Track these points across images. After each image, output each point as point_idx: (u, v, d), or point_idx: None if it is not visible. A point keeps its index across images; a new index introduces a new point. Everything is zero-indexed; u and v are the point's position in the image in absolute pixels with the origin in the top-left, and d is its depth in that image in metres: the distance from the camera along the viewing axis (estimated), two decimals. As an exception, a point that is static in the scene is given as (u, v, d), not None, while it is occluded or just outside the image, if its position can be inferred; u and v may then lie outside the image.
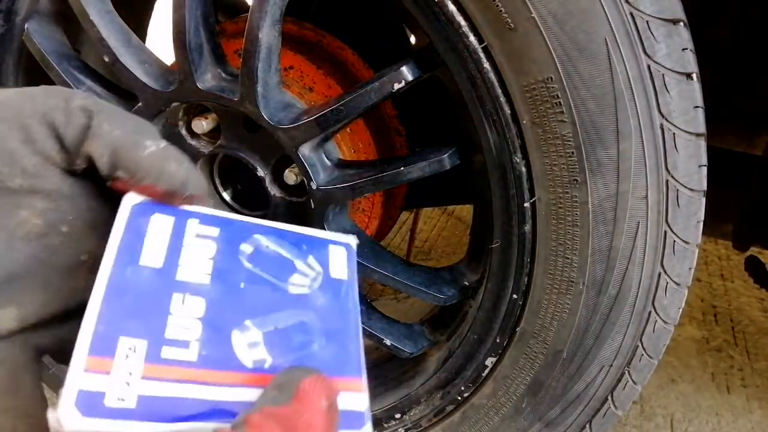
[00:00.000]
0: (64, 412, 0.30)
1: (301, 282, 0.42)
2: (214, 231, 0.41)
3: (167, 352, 0.34)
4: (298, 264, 0.43)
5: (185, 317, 0.36)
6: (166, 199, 0.39)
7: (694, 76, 0.67)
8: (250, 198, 1.00)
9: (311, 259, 0.44)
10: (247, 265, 0.41)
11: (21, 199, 0.36)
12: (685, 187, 0.71)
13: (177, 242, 0.39)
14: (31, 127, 0.35)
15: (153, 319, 0.35)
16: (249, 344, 0.37)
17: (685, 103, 0.67)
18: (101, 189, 0.39)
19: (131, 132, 0.37)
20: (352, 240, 0.47)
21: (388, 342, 0.91)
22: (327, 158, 0.86)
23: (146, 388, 0.33)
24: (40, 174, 0.36)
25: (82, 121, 0.36)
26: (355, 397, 0.38)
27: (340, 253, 0.46)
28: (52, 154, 0.36)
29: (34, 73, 0.96)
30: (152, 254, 0.38)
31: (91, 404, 0.31)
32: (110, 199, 0.40)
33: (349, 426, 0.36)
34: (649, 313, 0.78)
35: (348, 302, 0.43)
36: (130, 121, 0.38)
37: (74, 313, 0.37)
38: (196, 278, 0.38)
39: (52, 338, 0.38)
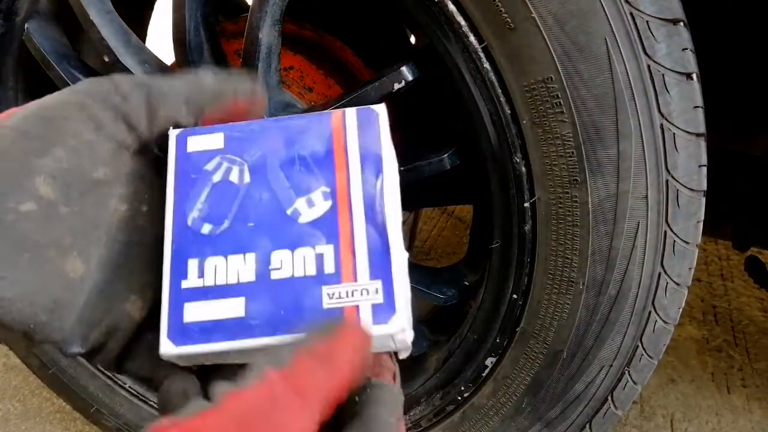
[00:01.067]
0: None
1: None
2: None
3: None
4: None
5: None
6: (249, 107, 0.42)
7: (694, 76, 0.67)
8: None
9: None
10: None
11: (108, 188, 0.38)
12: (685, 187, 0.71)
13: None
14: (97, 115, 0.37)
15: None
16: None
17: (685, 103, 0.67)
18: (161, 160, 0.42)
19: (188, 80, 0.40)
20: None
21: (388, 342, 0.91)
22: (327, 158, 0.86)
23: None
24: (117, 159, 0.38)
25: (141, 95, 0.38)
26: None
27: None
28: (123, 136, 0.38)
29: (35, 74, 0.96)
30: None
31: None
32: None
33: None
34: (649, 313, 0.78)
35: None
36: (176, 76, 0.40)
37: None
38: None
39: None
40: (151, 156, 0.41)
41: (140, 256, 0.40)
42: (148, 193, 0.41)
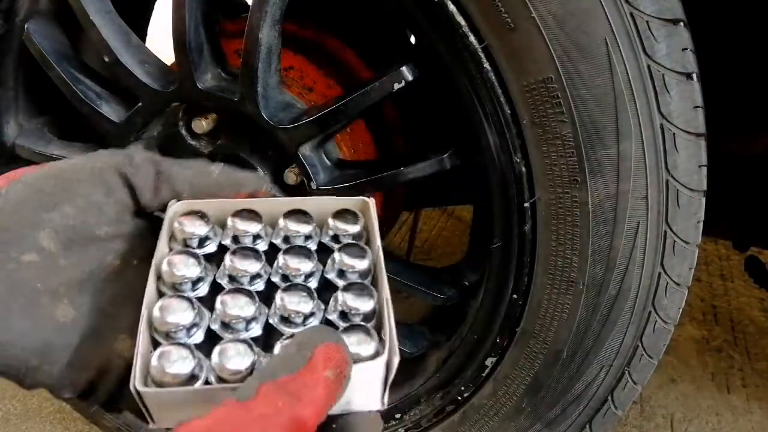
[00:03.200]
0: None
1: None
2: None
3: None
4: None
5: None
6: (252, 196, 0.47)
7: (694, 76, 0.67)
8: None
9: None
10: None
11: (107, 244, 0.41)
12: (685, 187, 0.71)
13: None
14: (109, 180, 0.40)
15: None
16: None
17: (685, 103, 0.67)
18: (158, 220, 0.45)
19: (196, 166, 0.44)
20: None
21: (388, 342, 0.91)
22: (327, 158, 0.86)
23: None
24: (121, 220, 0.42)
25: (150, 170, 0.42)
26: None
27: None
28: (128, 201, 0.42)
29: (35, 74, 0.96)
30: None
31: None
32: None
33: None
34: (649, 313, 0.78)
35: None
36: (187, 161, 0.45)
37: None
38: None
39: None
40: (151, 216, 0.45)
41: (128, 302, 0.42)
42: (141, 249, 0.43)
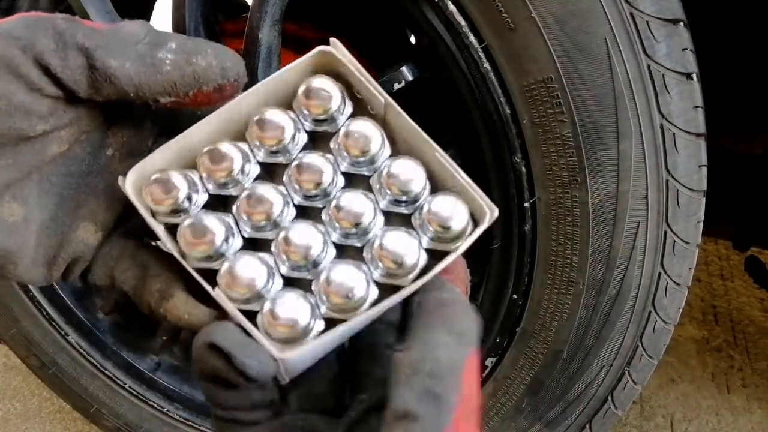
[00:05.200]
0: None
1: None
2: None
3: None
4: None
5: None
6: (217, 95, 0.37)
7: (694, 76, 0.67)
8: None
9: None
10: None
11: (46, 139, 0.36)
12: (685, 187, 0.71)
13: None
14: (28, 76, 0.33)
15: None
16: None
17: (685, 103, 0.67)
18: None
19: (141, 54, 0.34)
20: None
21: (388, 342, 0.91)
22: (327, 158, 0.86)
23: None
24: (56, 114, 0.36)
25: (80, 61, 0.34)
26: None
27: None
28: (60, 95, 0.35)
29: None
30: None
31: None
32: None
33: None
34: (649, 313, 0.78)
35: None
36: (129, 39, 0.35)
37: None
38: None
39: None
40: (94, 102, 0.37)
41: (84, 189, 0.39)
42: (92, 132, 0.39)
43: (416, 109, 1.03)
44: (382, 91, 0.41)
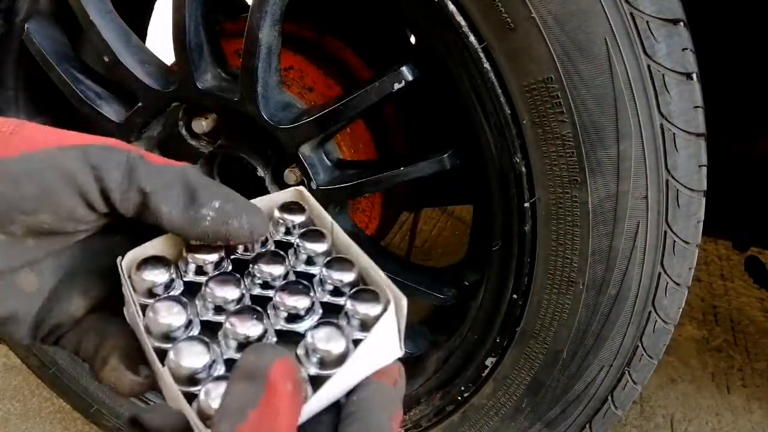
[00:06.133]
0: None
1: None
2: None
3: None
4: None
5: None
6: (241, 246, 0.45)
7: (694, 76, 0.67)
8: (249, 198, 1.00)
9: None
10: None
11: (73, 234, 0.41)
12: (685, 187, 0.71)
13: None
14: (90, 197, 0.39)
15: None
16: None
17: (685, 103, 0.67)
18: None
19: (188, 206, 0.40)
20: None
21: (388, 342, 0.91)
22: (327, 158, 0.86)
23: None
24: (90, 220, 0.41)
25: (137, 199, 0.40)
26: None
27: None
28: (106, 214, 0.41)
29: (35, 74, 0.96)
30: None
31: None
32: None
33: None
34: (649, 313, 0.78)
35: None
36: (183, 190, 0.40)
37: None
38: None
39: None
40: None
41: (82, 269, 0.43)
42: (103, 226, 0.43)
43: (416, 109, 1.03)
44: (327, 216, 0.50)
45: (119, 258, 0.43)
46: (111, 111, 0.90)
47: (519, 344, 0.84)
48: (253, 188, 0.98)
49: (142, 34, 1.26)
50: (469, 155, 0.80)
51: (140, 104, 0.87)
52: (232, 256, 0.46)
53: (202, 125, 0.88)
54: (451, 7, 0.68)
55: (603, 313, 0.77)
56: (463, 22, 0.68)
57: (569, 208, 0.73)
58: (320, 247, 0.48)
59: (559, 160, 0.70)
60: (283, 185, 0.89)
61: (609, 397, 0.85)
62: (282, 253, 0.46)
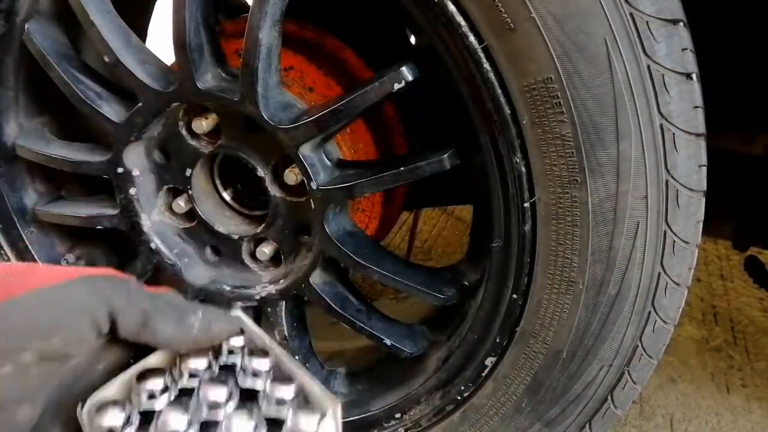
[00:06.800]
0: None
1: None
2: None
3: None
4: None
5: None
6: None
7: (694, 76, 0.67)
8: (250, 198, 1.00)
9: None
10: None
11: (75, 358, 0.45)
12: (685, 187, 0.71)
13: None
14: (100, 323, 0.44)
15: None
16: None
17: (684, 103, 0.67)
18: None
19: (178, 321, 0.48)
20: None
21: (388, 342, 0.91)
22: (327, 158, 0.86)
23: None
24: (95, 348, 0.46)
25: (139, 319, 0.46)
26: None
27: None
28: (109, 337, 0.46)
29: (35, 74, 0.96)
30: None
31: None
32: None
33: None
34: (649, 313, 0.78)
35: None
36: (173, 310, 0.48)
37: None
38: None
39: None
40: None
41: (68, 397, 0.47)
42: (100, 357, 0.48)
43: (416, 109, 1.03)
44: (264, 335, 0.56)
45: (78, 406, 0.47)
46: (111, 111, 0.90)
47: (519, 344, 0.84)
48: (254, 188, 0.99)
49: (143, 35, 1.26)
50: (469, 155, 0.80)
51: (140, 104, 0.87)
52: (181, 384, 0.52)
53: (202, 125, 0.88)
54: (451, 7, 0.68)
55: (603, 312, 0.78)
56: (463, 23, 0.68)
57: (569, 208, 0.73)
58: (261, 364, 0.53)
59: (559, 160, 0.70)
60: (283, 185, 0.89)
61: (609, 397, 0.85)
62: (221, 375, 0.52)
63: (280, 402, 0.49)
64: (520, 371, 0.85)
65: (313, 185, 0.83)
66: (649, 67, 0.65)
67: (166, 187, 0.96)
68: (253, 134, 0.86)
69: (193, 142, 0.91)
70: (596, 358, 0.81)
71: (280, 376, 0.52)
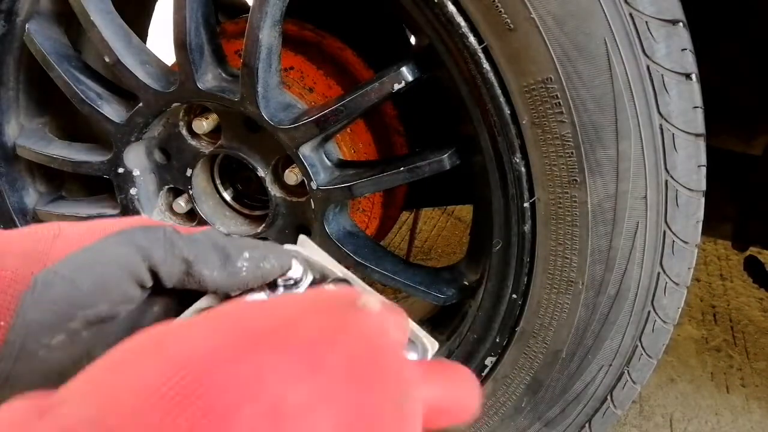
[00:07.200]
0: None
1: None
2: None
3: None
4: None
5: None
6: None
7: (694, 76, 0.67)
8: (250, 198, 1.01)
9: None
10: None
11: (121, 316, 0.43)
12: (685, 187, 0.71)
13: None
14: (141, 276, 0.42)
15: None
16: None
17: (684, 104, 0.68)
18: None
19: (225, 263, 0.45)
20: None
21: (388, 342, 0.91)
22: (327, 158, 0.86)
23: None
24: (141, 302, 0.44)
25: (182, 268, 0.43)
26: None
27: None
28: (152, 288, 0.44)
29: (35, 74, 0.97)
30: None
31: None
32: None
33: None
34: (649, 312, 0.78)
35: None
36: (217, 252, 0.45)
37: None
38: None
39: None
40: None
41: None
42: (146, 312, 0.46)
43: (416, 109, 1.03)
44: (335, 265, 0.51)
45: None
46: (112, 111, 0.90)
47: (518, 344, 0.84)
48: (254, 188, 0.99)
49: (143, 35, 1.27)
50: (469, 155, 0.80)
51: (141, 104, 0.87)
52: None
53: (202, 125, 0.88)
54: (451, 7, 0.68)
55: (602, 312, 0.78)
56: (463, 23, 0.68)
57: (569, 208, 0.73)
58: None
59: (559, 160, 0.70)
60: (283, 185, 0.89)
61: (608, 397, 0.85)
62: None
63: None
64: (519, 371, 0.86)
65: (314, 185, 0.83)
66: (648, 68, 0.65)
67: (166, 187, 0.96)
68: (253, 134, 0.87)
69: (193, 143, 0.91)
70: (596, 357, 0.81)
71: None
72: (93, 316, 0.40)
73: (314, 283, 0.49)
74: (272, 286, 0.48)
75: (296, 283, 0.48)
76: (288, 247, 0.52)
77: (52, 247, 0.40)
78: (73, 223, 0.43)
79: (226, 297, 0.48)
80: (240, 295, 0.47)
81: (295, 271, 0.49)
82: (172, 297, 0.47)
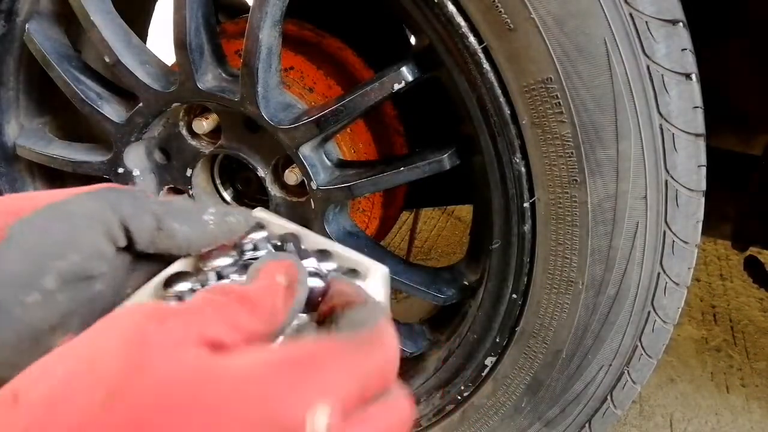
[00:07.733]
0: None
1: None
2: None
3: None
4: None
5: None
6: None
7: (694, 76, 0.67)
8: (250, 198, 1.00)
9: None
10: None
11: (98, 278, 0.44)
12: (685, 187, 0.71)
13: None
14: (113, 230, 0.43)
15: None
16: None
17: (684, 104, 0.68)
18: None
19: (196, 220, 0.47)
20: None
21: (388, 342, 0.91)
22: (327, 158, 0.86)
23: None
24: (115, 259, 0.45)
25: (152, 224, 0.45)
26: None
27: None
28: (125, 246, 0.45)
29: (35, 74, 0.96)
30: None
31: None
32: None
33: None
34: (649, 312, 0.78)
35: None
36: (185, 208, 0.47)
37: None
38: None
39: None
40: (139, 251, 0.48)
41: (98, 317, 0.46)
42: (126, 277, 0.47)
43: (416, 109, 1.03)
44: (289, 223, 0.54)
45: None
46: (112, 111, 0.90)
47: (518, 344, 0.84)
48: (254, 188, 0.99)
49: (143, 35, 1.27)
50: (469, 155, 0.80)
51: (141, 104, 0.87)
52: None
53: (202, 125, 0.88)
54: (451, 7, 0.68)
55: (602, 312, 0.78)
56: (463, 23, 0.68)
57: (569, 208, 0.73)
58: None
59: (559, 160, 0.70)
60: (283, 185, 0.89)
61: (608, 397, 0.85)
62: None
63: (317, 274, 0.46)
64: (519, 371, 0.86)
65: (314, 185, 0.83)
66: (648, 68, 0.65)
67: (166, 187, 0.96)
68: (253, 134, 0.87)
69: (193, 143, 0.91)
70: (596, 357, 0.81)
71: (318, 257, 0.49)
72: (66, 269, 0.41)
73: (276, 247, 0.50)
74: (240, 249, 0.49)
75: (256, 248, 0.49)
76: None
77: (28, 204, 0.42)
78: (49, 191, 0.44)
79: (197, 267, 0.49)
80: (210, 253, 0.48)
81: (259, 234, 0.51)
82: (150, 273, 0.48)
